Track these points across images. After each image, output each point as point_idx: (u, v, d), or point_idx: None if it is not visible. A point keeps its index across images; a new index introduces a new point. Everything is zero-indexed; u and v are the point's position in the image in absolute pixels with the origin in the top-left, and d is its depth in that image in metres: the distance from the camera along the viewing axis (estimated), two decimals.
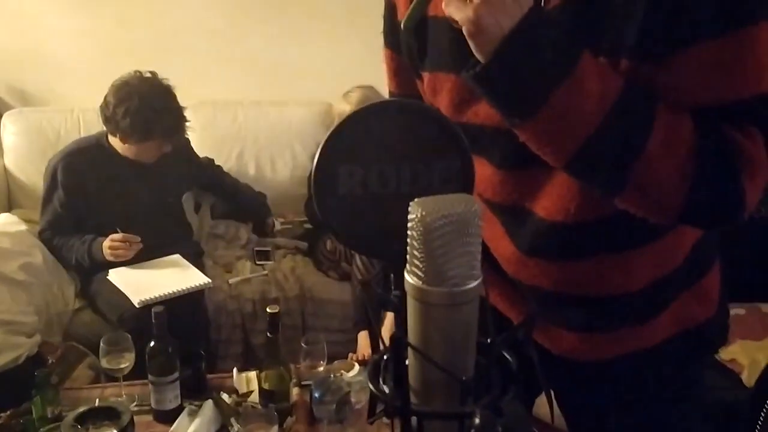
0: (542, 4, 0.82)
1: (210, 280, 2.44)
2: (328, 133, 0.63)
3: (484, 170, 0.94)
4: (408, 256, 0.55)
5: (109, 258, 2.36)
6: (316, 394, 1.61)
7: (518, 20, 0.71)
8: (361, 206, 0.63)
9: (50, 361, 2.11)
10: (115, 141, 2.44)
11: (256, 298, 2.61)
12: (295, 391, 1.70)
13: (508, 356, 0.58)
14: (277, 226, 3.04)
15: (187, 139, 2.71)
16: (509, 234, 0.98)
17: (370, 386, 0.59)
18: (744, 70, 0.77)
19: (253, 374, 1.80)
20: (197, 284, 2.39)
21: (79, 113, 2.98)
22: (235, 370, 1.84)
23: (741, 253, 2.42)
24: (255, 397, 1.69)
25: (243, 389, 1.76)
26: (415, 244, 0.53)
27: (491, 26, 0.71)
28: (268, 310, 1.64)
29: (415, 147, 0.63)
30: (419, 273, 0.53)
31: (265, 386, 1.65)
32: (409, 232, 0.54)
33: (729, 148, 0.78)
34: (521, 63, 0.73)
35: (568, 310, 1.00)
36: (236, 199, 2.99)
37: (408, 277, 0.55)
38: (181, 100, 3.08)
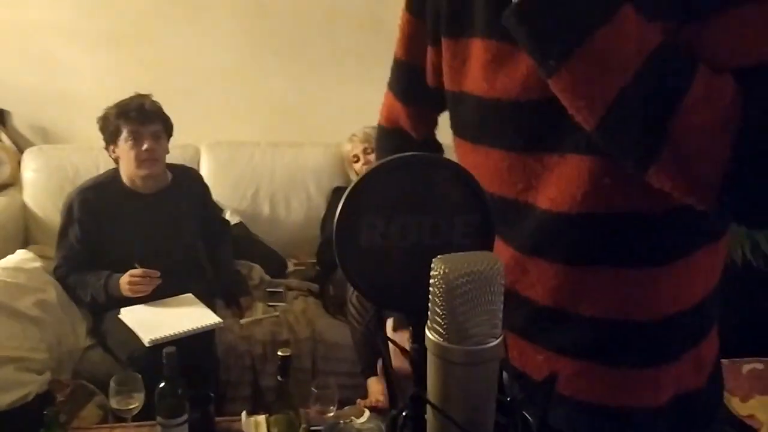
0: None
1: (221, 320, 2.43)
2: (350, 186, 0.64)
3: (490, 159, 0.91)
4: (429, 313, 0.54)
5: (127, 294, 2.36)
6: None
7: None
8: (381, 258, 0.64)
9: (59, 399, 2.10)
10: (123, 168, 2.48)
11: (266, 339, 2.59)
12: None
13: (528, 416, 0.57)
14: (290, 268, 3.04)
15: (207, 186, 2.78)
16: (507, 236, 0.92)
17: None
18: None
19: (262, 418, 1.78)
20: (208, 324, 2.38)
21: (98, 151, 2.99)
22: (244, 413, 1.82)
23: (758, 307, 2.40)
24: None
25: None
26: (437, 300, 0.53)
27: None
28: (279, 353, 1.63)
29: (436, 201, 0.64)
30: (440, 330, 0.53)
31: (274, 431, 1.63)
32: (431, 289, 0.54)
33: None
34: None
35: (563, 331, 0.90)
36: (217, 270, 2.80)
37: (429, 334, 0.55)
38: (198, 139, 3.14)
